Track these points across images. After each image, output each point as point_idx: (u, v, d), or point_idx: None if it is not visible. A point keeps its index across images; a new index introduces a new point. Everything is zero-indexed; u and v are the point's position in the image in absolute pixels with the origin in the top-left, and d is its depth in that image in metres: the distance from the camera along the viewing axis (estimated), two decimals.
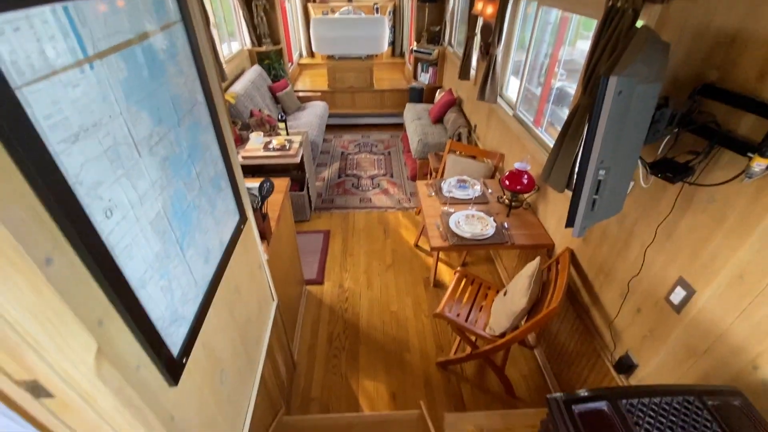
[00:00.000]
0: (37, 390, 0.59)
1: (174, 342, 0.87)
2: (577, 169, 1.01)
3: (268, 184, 1.59)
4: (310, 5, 6.41)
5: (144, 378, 0.77)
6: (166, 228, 0.85)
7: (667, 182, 1.17)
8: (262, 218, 1.59)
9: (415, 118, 4.52)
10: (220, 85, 1.29)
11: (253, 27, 4.79)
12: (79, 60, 0.60)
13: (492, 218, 2.25)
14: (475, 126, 3.77)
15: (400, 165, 4.65)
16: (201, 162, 1.05)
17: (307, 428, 1.83)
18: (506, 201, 2.41)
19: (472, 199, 2.43)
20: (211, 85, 1.11)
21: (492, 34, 2.88)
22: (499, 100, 3.07)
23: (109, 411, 0.67)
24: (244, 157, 3.03)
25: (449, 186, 2.57)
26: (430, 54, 5.04)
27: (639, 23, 1.43)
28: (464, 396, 2.19)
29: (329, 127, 5.48)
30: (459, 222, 2.23)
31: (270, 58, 5.08)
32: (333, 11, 6.37)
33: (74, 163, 0.58)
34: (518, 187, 2.25)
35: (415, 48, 5.15)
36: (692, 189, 1.22)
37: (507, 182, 2.28)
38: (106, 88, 0.66)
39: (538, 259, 1.93)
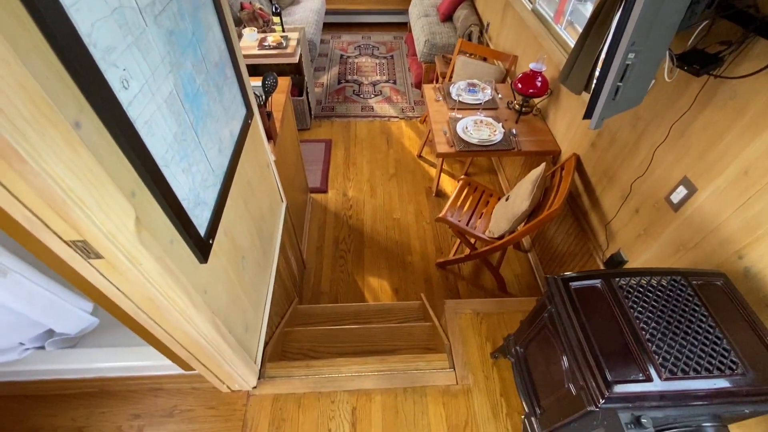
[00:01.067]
0: (87, 250, 0.63)
1: (200, 224, 0.91)
2: (604, 52, 0.96)
3: (272, 78, 1.51)
4: None
5: (178, 252, 0.82)
6: (180, 110, 0.83)
7: (691, 76, 1.13)
8: (267, 117, 1.55)
9: (421, 14, 4.13)
10: None
11: None
12: None
13: (500, 124, 2.20)
14: (488, 25, 3.47)
15: (403, 70, 4.38)
16: (205, 43, 0.98)
17: (319, 314, 2.03)
18: (516, 106, 2.33)
19: (481, 104, 2.35)
20: None
21: None
22: None
23: (154, 275, 0.73)
24: None
25: (458, 90, 2.46)
26: None
27: None
28: (461, 291, 2.39)
29: (326, 26, 5.02)
30: (467, 128, 2.18)
31: None
32: None
33: (85, 21, 0.55)
34: (531, 91, 2.16)
35: None
36: (715, 84, 1.18)
37: (519, 85, 2.18)
38: None
39: (543, 164, 1.94)
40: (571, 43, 2.15)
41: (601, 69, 0.87)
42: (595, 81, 0.92)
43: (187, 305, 0.86)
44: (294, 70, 3.20)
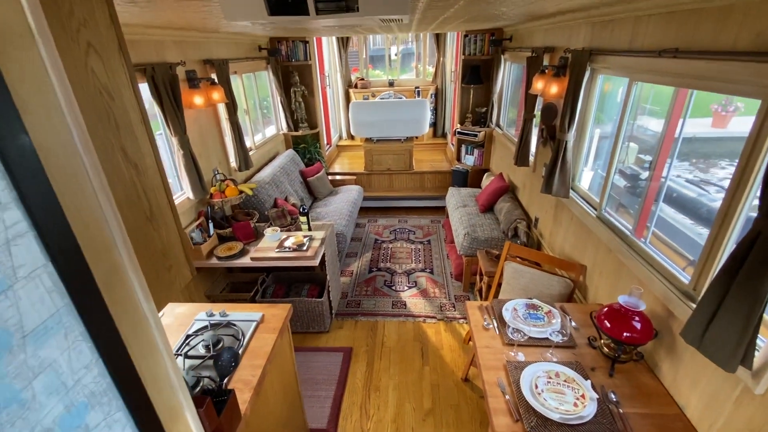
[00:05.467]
0: None
1: None
2: None
3: (228, 355, 0.97)
4: (351, 90, 6.46)
5: None
6: None
7: None
8: (215, 411, 0.95)
9: (459, 205, 3.94)
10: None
11: (290, 112, 4.68)
12: None
13: (589, 382, 1.46)
14: (536, 219, 3.10)
15: (441, 257, 3.98)
16: None
17: None
18: (605, 349, 1.62)
19: (553, 343, 1.66)
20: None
21: (559, 116, 2.34)
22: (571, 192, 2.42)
23: None
24: (253, 258, 2.52)
25: (514, 314, 1.84)
26: (476, 136, 4.61)
27: None
28: None
29: (363, 210, 5.04)
30: (537, 386, 1.45)
31: (306, 142, 4.91)
32: (374, 95, 6.35)
33: None
34: (626, 335, 1.48)
35: (459, 129, 4.78)
36: None
37: (608, 324, 1.52)
38: None
39: None
40: (672, 269, 1.56)
41: None
42: None
43: None
44: (317, 269, 2.84)
